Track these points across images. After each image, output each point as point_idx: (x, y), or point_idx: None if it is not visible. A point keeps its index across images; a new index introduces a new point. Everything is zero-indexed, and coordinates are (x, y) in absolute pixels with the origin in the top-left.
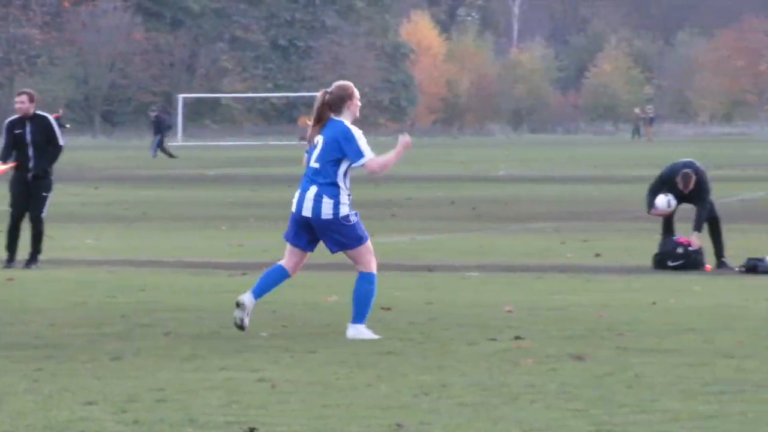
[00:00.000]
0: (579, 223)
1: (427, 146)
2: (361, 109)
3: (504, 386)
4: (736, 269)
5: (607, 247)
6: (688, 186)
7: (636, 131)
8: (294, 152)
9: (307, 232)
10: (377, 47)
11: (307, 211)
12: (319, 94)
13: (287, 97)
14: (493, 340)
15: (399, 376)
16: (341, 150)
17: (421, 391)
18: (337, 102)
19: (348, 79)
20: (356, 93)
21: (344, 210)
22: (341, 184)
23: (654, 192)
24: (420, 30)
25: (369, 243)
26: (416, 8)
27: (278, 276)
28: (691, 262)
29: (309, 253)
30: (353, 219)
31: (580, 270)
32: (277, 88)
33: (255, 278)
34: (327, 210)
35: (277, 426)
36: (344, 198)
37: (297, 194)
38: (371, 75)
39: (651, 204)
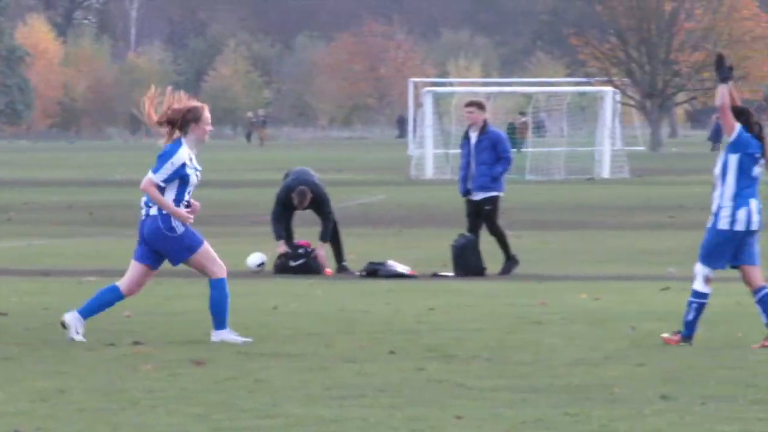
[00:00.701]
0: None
1: (43, 150)
2: None
3: (124, 391)
4: (357, 273)
5: (226, 251)
6: (303, 203)
7: (248, 135)
8: None
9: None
10: None
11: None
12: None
13: None
14: (112, 345)
15: (16, 382)
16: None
17: (39, 397)
18: (183, 124)
19: None
20: (206, 117)
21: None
22: (168, 197)
23: (277, 219)
24: (36, 33)
25: (206, 249)
26: (32, 11)
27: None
28: (311, 261)
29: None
30: (179, 230)
31: (200, 275)
32: None
33: None
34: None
35: None
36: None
37: None
38: None
39: (278, 234)
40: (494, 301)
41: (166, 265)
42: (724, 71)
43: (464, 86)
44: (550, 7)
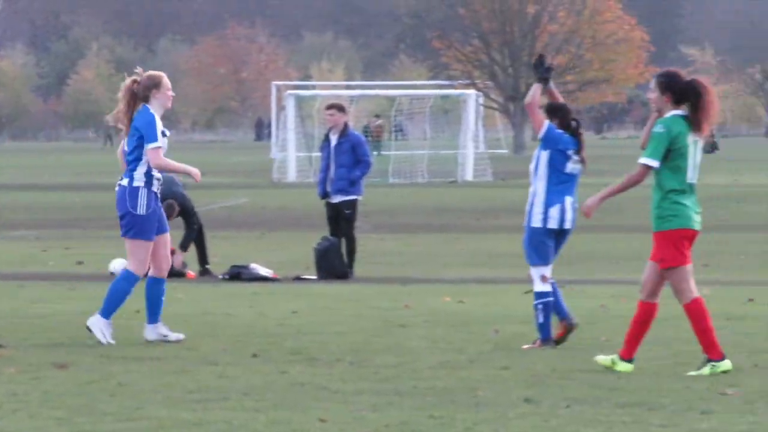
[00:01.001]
0: (61, 230)
1: None
2: None
3: None
4: (220, 277)
5: (89, 254)
6: (171, 216)
7: (108, 138)
8: None
9: None
10: None
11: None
12: (126, 83)
13: None
14: None
15: None
16: (139, 131)
17: None
18: (143, 91)
19: None
20: (165, 82)
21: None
22: (140, 171)
23: None
24: None
25: (149, 245)
26: None
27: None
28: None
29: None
30: (140, 210)
31: (62, 278)
32: None
33: None
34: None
35: None
36: (141, 181)
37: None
38: None
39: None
40: (358, 304)
41: (33, 267)
42: (542, 71)
43: (327, 89)
44: (413, 10)
